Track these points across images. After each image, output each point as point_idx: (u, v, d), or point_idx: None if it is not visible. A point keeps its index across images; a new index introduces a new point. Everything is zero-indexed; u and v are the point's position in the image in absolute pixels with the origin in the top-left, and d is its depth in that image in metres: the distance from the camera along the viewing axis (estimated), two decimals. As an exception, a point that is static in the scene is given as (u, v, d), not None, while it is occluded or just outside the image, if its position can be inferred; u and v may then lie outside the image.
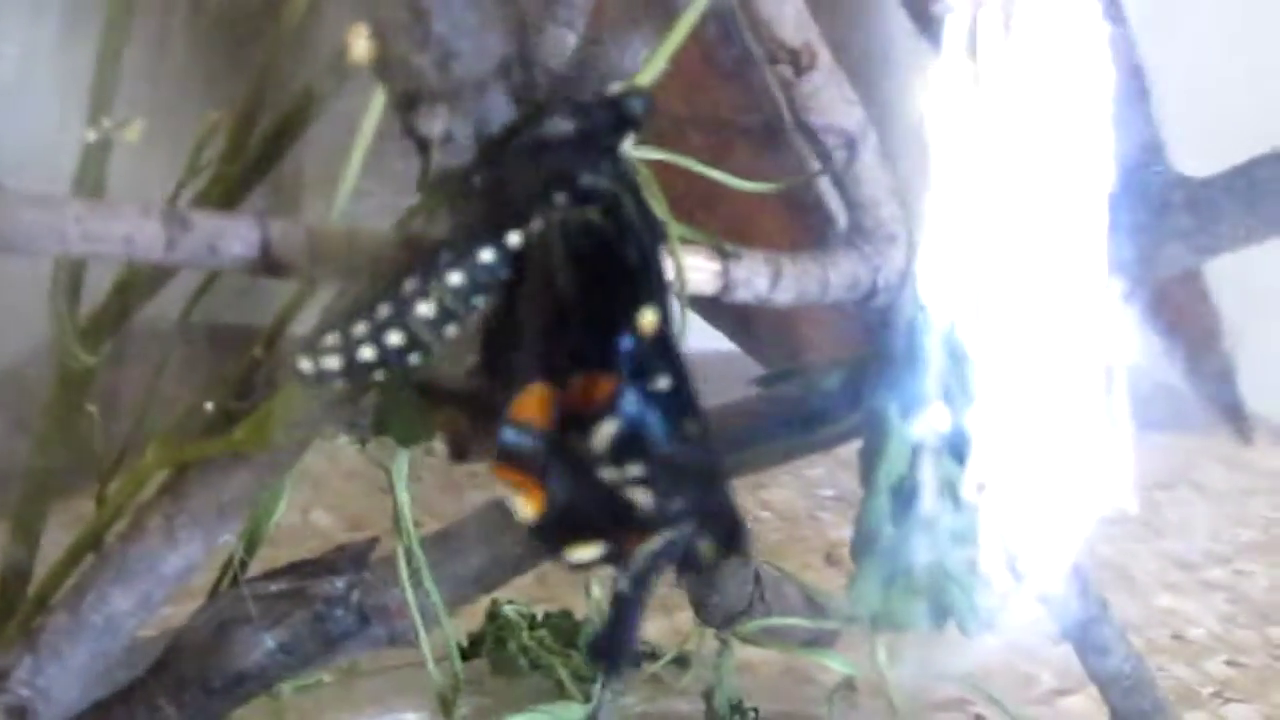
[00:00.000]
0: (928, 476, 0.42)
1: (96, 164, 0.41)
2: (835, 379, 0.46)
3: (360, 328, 0.34)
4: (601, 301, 0.33)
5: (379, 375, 0.35)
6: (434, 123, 0.35)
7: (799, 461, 0.54)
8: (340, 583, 0.46)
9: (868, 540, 0.44)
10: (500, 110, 0.36)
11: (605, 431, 0.32)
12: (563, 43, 0.48)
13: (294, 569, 0.46)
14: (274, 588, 0.46)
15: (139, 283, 0.43)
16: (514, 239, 0.34)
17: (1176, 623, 0.63)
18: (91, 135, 0.40)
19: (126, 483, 0.45)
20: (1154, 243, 0.47)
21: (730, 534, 0.33)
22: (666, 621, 0.61)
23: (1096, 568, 0.64)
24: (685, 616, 0.53)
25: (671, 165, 0.62)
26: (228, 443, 0.42)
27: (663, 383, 0.33)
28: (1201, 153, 0.49)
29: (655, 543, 0.32)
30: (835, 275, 0.44)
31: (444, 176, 0.36)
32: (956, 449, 0.42)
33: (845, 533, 0.44)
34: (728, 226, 0.52)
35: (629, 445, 0.33)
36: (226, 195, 0.42)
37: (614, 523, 0.33)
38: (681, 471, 0.33)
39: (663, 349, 0.33)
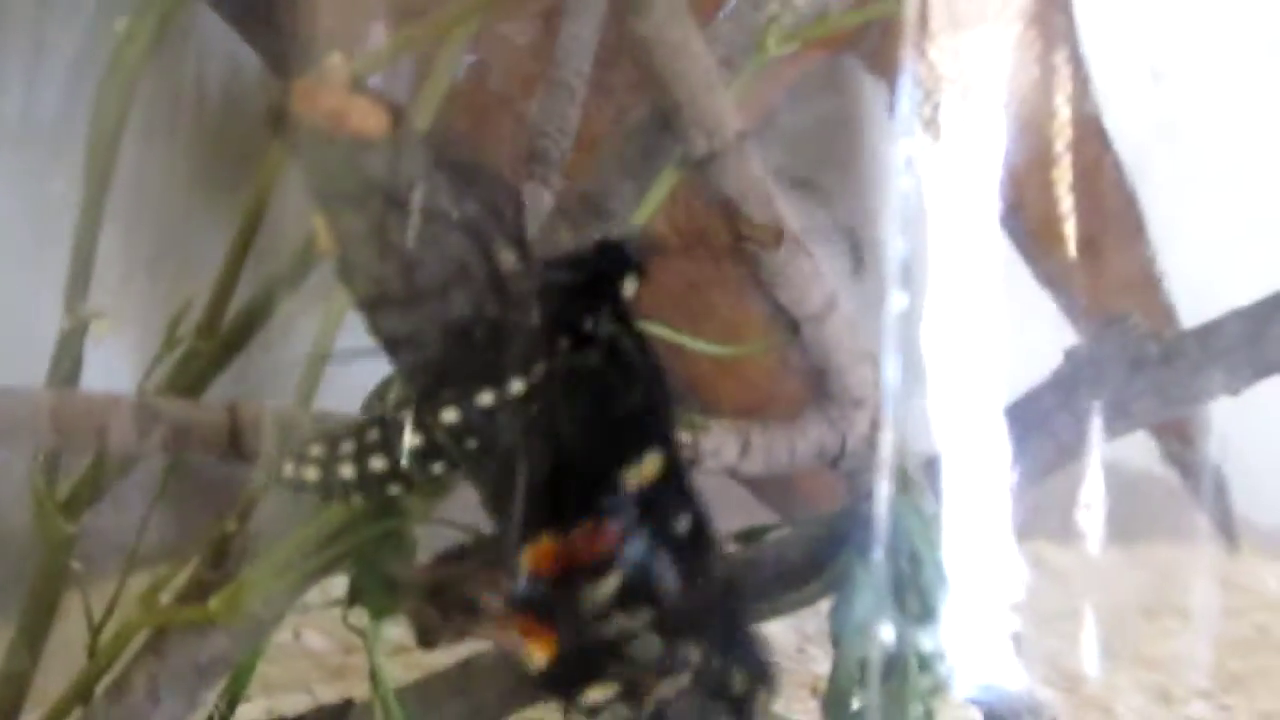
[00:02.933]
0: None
1: (72, 349, 0.42)
2: (807, 539, 0.47)
3: (347, 445, 0.34)
4: (604, 449, 0.34)
5: (355, 498, 0.35)
6: (397, 326, 0.36)
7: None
8: (318, 743, 0.46)
9: (837, 705, 0.44)
10: (465, 308, 0.36)
11: (610, 584, 0.33)
12: (538, 199, 0.48)
13: (273, 728, 0.47)
14: (254, 746, 0.46)
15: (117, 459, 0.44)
16: (516, 386, 0.34)
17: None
18: (66, 322, 0.41)
19: (113, 639, 0.46)
20: (1128, 397, 0.48)
21: (759, 670, 0.34)
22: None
23: (1082, 705, 0.65)
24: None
25: (658, 288, 0.62)
26: (203, 613, 0.43)
27: (677, 523, 0.33)
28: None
29: (671, 683, 0.33)
30: (802, 443, 0.44)
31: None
32: (916, 647, 0.43)
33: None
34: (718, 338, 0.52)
35: (636, 592, 0.33)
36: (200, 373, 0.42)
37: (626, 665, 0.33)
38: (698, 611, 0.33)
39: (674, 489, 0.34)
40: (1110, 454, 0.49)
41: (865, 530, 0.44)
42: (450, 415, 0.34)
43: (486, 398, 0.34)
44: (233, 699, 0.47)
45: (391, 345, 0.36)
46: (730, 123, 0.40)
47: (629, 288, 0.36)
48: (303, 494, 0.36)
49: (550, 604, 0.33)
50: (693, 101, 0.40)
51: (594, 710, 0.33)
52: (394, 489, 0.35)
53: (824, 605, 0.47)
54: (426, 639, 0.39)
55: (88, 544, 0.48)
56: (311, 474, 0.35)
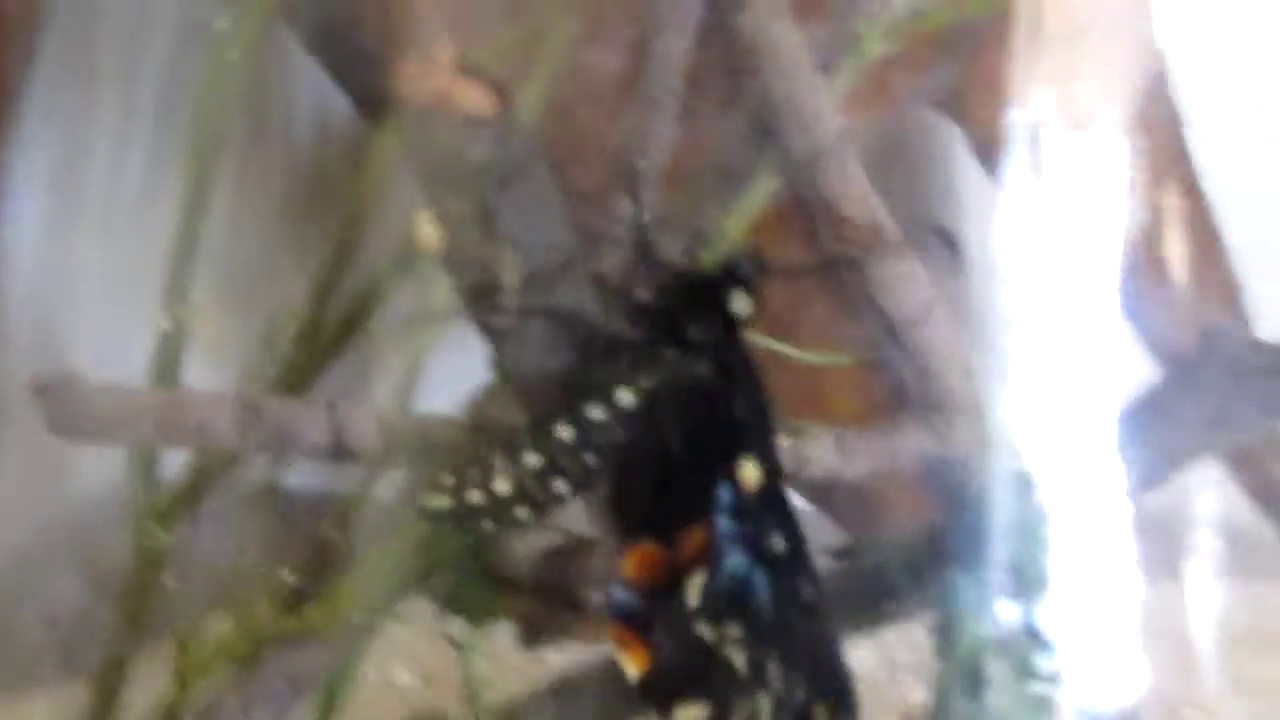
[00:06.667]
0: (998, 665, 0.42)
1: (171, 350, 0.42)
2: (906, 551, 0.46)
3: (473, 472, 0.35)
4: (703, 452, 0.34)
5: (486, 523, 0.35)
6: (503, 314, 0.36)
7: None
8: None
9: (942, 713, 0.44)
10: (568, 299, 0.36)
11: (696, 583, 0.33)
12: (630, 214, 0.48)
13: (366, 747, 0.47)
14: (347, 765, 0.46)
15: (215, 464, 0.43)
16: (625, 398, 0.34)
17: (1259, 786, 0.62)
18: (165, 323, 0.41)
19: (203, 659, 0.46)
20: (1228, 407, 0.47)
21: (841, 702, 0.33)
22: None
23: (1182, 730, 0.64)
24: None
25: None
26: (301, 622, 0.42)
27: (773, 542, 0.33)
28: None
29: (757, 706, 0.32)
30: (904, 447, 0.44)
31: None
32: (1031, 628, 0.42)
33: (924, 694, 0.44)
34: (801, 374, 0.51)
35: (727, 602, 0.33)
36: (299, 377, 0.42)
37: (716, 683, 0.33)
38: (787, 634, 0.33)
39: (772, 507, 0.34)
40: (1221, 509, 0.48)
41: (967, 540, 0.43)
42: (565, 432, 0.34)
43: (597, 412, 0.34)
44: (325, 716, 0.47)
45: (496, 336, 0.36)
46: (830, 121, 0.40)
47: (740, 305, 0.36)
48: (440, 524, 0.36)
49: (647, 614, 0.33)
50: (792, 98, 0.40)
51: None
52: (522, 511, 0.35)
53: (913, 631, 0.46)
54: (531, 638, 0.38)
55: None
56: (443, 503, 0.35)
